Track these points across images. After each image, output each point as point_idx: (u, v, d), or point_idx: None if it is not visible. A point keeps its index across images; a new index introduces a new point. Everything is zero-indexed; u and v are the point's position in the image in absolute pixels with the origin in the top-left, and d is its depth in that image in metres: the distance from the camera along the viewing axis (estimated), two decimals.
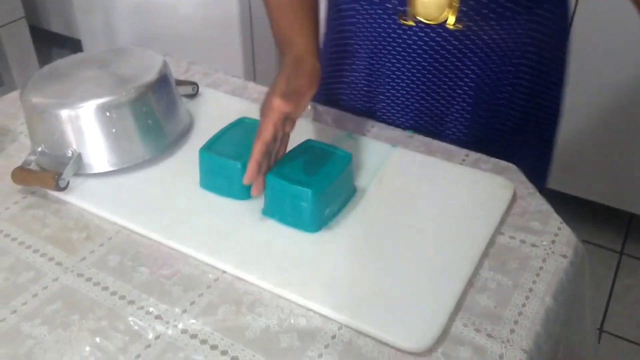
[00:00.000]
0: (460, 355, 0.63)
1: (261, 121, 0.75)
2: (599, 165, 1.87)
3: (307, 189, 0.74)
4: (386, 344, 0.64)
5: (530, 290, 0.70)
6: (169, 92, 0.90)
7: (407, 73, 0.92)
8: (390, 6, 0.87)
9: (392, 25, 0.88)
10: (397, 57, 0.91)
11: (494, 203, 0.81)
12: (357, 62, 0.97)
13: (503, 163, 0.89)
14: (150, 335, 0.65)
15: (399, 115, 0.97)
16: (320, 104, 1.03)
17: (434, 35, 0.86)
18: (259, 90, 1.06)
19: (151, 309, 0.68)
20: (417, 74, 0.91)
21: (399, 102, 0.96)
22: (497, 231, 0.78)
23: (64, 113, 0.82)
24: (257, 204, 0.80)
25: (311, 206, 0.75)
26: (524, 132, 0.98)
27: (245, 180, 0.76)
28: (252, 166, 0.75)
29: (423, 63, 0.89)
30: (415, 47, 0.88)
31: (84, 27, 2.44)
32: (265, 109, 0.76)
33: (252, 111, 0.92)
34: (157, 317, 0.67)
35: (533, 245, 0.76)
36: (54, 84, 0.87)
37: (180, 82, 0.99)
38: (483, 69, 0.89)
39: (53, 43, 2.88)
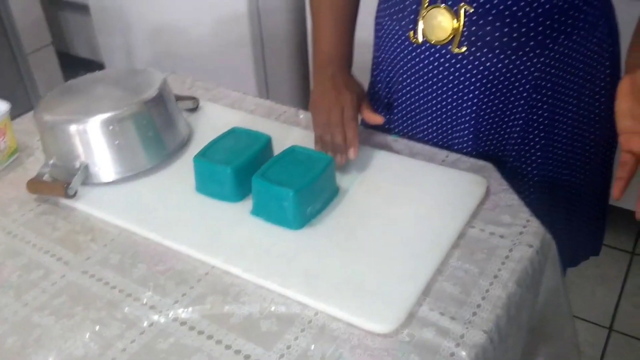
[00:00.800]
0: (424, 335, 0.69)
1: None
2: None
3: (289, 190, 0.81)
4: (357, 327, 0.70)
5: (495, 277, 0.75)
6: (168, 106, 0.98)
7: (415, 89, 0.97)
8: (404, 24, 0.92)
9: (405, 42, 0.94)
10: (408, 72, 0.96)
11: (466, 199, 0.86)
12: (380, 74, 1.03)
13: (481, 162, 0.94)
14: (145, 323, 0.72)
15: (411, 127, 1.02)
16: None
17: (438, 56, 0.90)
18: (256, 102, 1.13)
19: (146, 301, 0.75)
20: (424, 92, 0.96)
21: (411, 115, 1.00)
22: (469, 225, 0.83)
23: (72, 128, 0.90)
24: (246, 205, 0.87)
25: (293, 205, 0.81)
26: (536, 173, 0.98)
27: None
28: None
29: (429, 82, 0.94)
30: (422, 65, 0.93)
31: (106, 51, 2.57)
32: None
33: (247, 121, 1.00)
34: (152, 307, 0.74)
35: (501, 236, 0.81)
36: (63, 102, 0.96)
37: (181, 98, 1.07)
38: (486, 94, 0.91)
39: (79, 67, 3.01)
